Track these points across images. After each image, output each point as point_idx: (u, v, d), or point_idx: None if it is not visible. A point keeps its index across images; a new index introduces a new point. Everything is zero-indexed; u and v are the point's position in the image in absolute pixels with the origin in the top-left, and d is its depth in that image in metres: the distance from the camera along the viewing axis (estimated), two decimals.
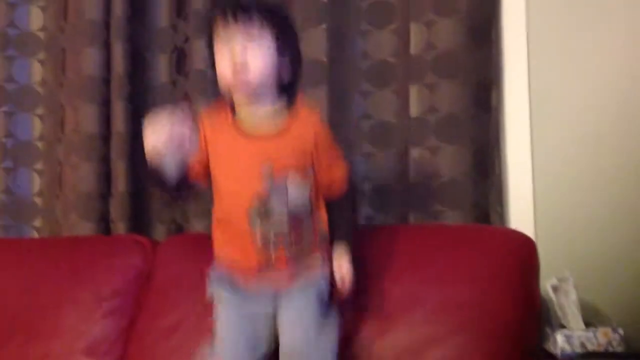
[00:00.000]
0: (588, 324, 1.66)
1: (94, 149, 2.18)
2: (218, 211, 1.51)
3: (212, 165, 1.47)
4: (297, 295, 1.45)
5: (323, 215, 1.51)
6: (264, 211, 1.43)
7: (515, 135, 1.93)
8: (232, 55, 1.40)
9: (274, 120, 1.47)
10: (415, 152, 1.93)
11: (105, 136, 2.19)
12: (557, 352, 1.60)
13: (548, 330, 1.67)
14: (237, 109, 1.48)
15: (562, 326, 1.66)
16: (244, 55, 1.39)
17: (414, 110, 1.94)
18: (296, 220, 1.44)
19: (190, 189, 1.50)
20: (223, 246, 1.52)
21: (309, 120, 1.47)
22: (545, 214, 1.88)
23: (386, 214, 2.00)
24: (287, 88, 1.49)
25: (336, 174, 1.51)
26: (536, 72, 1.92)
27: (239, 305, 1.47)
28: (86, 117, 2.18)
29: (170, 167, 1.37)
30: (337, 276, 1.46)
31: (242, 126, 1.47)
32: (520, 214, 1.89)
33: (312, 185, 1.46)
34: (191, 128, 1.33)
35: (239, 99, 1.46)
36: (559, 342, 1.60)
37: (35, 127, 2.33)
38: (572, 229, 1.86)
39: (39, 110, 2.33)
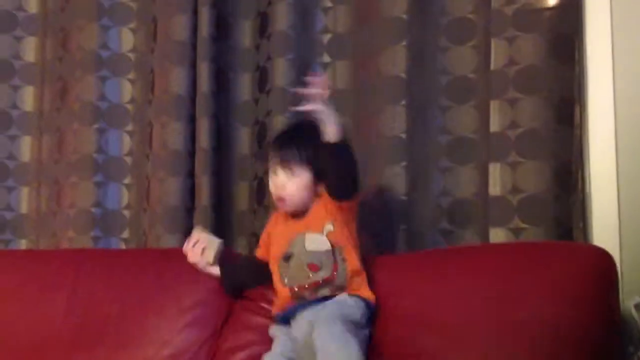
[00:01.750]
0: None
1: (180, 164, 2.26)
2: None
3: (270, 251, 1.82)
4: (323, 315, 1.63)
5: (351, 259, 1.71)
6: (285, 264, 1.73)
7: (600, 152, 1.88)
8: (274, 186, 1.74)
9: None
10: (495, 167, 1.91)
11: (191, 152, 2.26)
12: None
13: (631, 350, 1.62)
14: None
15: None
16: (283, 190, 1.73)
17: (495, 125, 1.93)
18: (315, 267, 1.69)
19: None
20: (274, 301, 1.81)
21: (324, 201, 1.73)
22: (630, 231, 1.82)
23: (465, 229, 1.99)
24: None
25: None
26: (621, 88, 1.88)
27: (285, 332, 1.72)
28: (172, 134, 2.26)
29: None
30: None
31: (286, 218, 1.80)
32: (605, 230, 1.84)
33: (332, 239, 1.70)
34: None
35: None
36: None
37: (124, 143, 2.43)
38: None
39: (129, 127, 2.43)
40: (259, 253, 1.89)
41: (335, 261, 1.69)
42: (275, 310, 1.78)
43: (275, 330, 1.75)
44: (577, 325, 1.54)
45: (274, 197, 1.77)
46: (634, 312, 1.62)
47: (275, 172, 1.75)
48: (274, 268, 1.78)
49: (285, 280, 1.73)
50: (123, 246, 2.39)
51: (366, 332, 1.65)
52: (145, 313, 1.94)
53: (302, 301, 1.70)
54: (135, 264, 2.09)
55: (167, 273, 2.01)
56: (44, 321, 2.01)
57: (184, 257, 2.07)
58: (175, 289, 1.97)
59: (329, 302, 1.66)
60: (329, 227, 1.71)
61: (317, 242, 1.71)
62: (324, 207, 1.72)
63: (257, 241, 2.17)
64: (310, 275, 1.69)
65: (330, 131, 1.63)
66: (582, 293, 1.58)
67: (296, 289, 1.71)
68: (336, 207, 1.71)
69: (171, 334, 1.90)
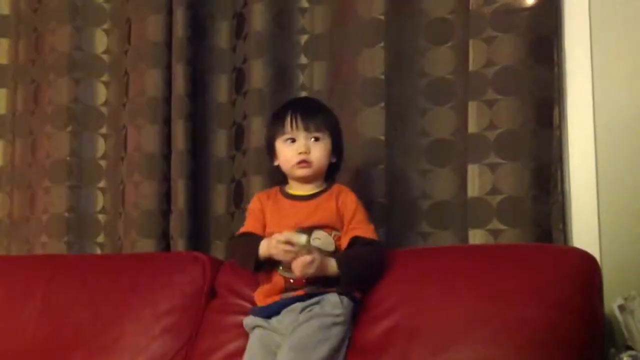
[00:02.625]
0: None
1: (155, 168, 2.23)
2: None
3: (267, 229, 1.79)
4: (305, 313, 1.65)
5: None
6: None
7: (579, 153, 1.88)
8: (298, 149, 1.74)
9: (313, 193, 1.78)
10: (473, 169, 1.90)
11: (166, 155, 2.23)
12: None
13: (613, 351, 1.61)
14: (289, 185, 1.82)
15: (629, 347, 1.60)
16: (308, 154, 1.74)
17: (473, 126, 1.91)
18: None
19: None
20: (259, 290, 1.78)
21: (338, 194, 1.77)
22: (610, 232, 1.82)
23: (444, 231, 1.98)
24: (330, 172, 1.82)
25: (357, 232, 1.74)
26: (600, 89, 1.88)
27: (266, 327, 1.70)
28: (147, 137, 2.24)
29: None
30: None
31: (288, 196, 1.80)
32: (585, 232, 1.84)
33: (337, 241, 1.73)
34: None
35: (294, 179, 1.79)
36: None
37: (99, 146, 2.39)
38: (639, 247, 1.79)
39: (103, 130, 2.39)
40: (253, 229, 1.80)
41: None
42: (260, 301, 1.75)
43: (252, 320, 1.73)
44: (560, 328, 1.54)
45: (292, 162, 1.74)
46: (617, 313, 1.61)
47: (295, 139, 1.75)
48: None
49: (281, 269, 1.72)
50: (98, 251, 2.36)
51: (347, 329, 1.66)
52: (121, 319, 1.92)
53: (291, 293, 1.69)
54: (109, 270, 2.06)
55: (143, 278, 1.99)
56: (16, 329, 1.98)
57: (159, 262, 2.05)
58: (150, 295, 1.94)
59: (316, 306, 1.65)
60: (338, 232, 1.74)
61: (324, 240, 1.71)
62: (336, 210, 1.75)
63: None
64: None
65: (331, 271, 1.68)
66: (565, 296, 1.58)
67: (292, 281, 1.70)
68: (345, 220, 1.75)
69: (147, 340, 1.87)
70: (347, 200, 1.75)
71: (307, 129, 1.74)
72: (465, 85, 1.96)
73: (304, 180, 1.78)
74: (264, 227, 1.79)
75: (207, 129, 2.28)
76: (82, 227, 2.35)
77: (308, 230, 1.70)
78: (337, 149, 1.80)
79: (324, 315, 1.63)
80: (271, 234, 1.71)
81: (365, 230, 1.74)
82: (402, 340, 1.60)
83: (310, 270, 1.63)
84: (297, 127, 1.75)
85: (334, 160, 1.80)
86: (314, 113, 1.77)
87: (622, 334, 1.63)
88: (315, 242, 1.70)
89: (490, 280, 1.64)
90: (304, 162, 1.74)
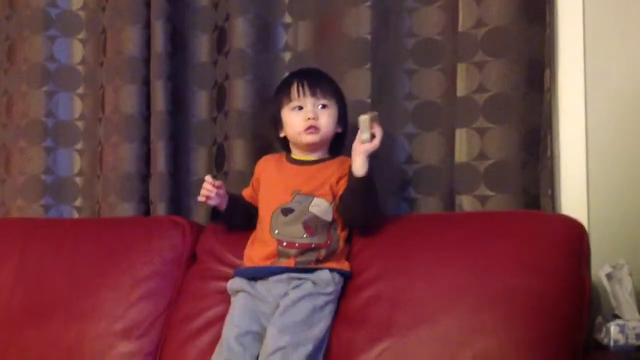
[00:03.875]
0: None
1: (134, 129, 2.17)
2: (256, 230, 1.79)
3: (260, 195, 1.82)
4: (296, 290, 1.64)
5: (343, 237, 1.74)
6: (282, 217, 1.71)
7: (569, 117, 1.84)
8: (306, 115, 1.74)
9: (317, 159, 1.79)
10: (461, 133, 1.86)
11: (145, 116, 2.17)
12: (610, 343, 1.53)
13: (600, 320, 1.59)
14: (293, 152, 1.82)
15: (616, 316, 1.58)
16: (316, 120, 1.74)
17: (462, 89, 1.87)
18: (310, 230, 1.68)
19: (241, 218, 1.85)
20: (249, 248, 1.78)
21: (342, 163, 1.77)
22: (599, 199, 1.80)
23: (430, 197, 1.94)
24: (336, 144, 1.83)
25: None
26: (592, 52, 1.84)
27: (251, 293, 1.68)
28: (126, 97, 2.17)
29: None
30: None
31: (291, 160, 1.81)
32: (573, 199, 1.81)
33: (335, 214, 1.72)
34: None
35: (300, 147, 1.80)
36: (612, 332, 1.53)
37: (75, 107, 2.32)
38: (628, 215, 1.77)
39: (80, 90, 2.32)
40: (246, 194, 1.87)
41: (330, 233, 1.71)
42: (248, 262, 1.74)
43: (238, 283, 1.72)
44: (547, 296, 1.53)
45: (300, 129, 1.75)
46: (605, 281, 1.59)
47: (303, 106, 1.75)
48: (264, 215, 1.75)
49: (276, 232, 1.70)
50: (76, 215, 2.30)
51: (335, 304, 1.65)
52: (98, 285, 1.88)
53: (282, 261, 1.68)
54: (87, 235, 2.03)
55: (121, 243, 1.96)
56: None
57: (138, 226, 2.00)
58: (129, 260, 1.91)
59: (306, 283, 1.64)
60: (336, 201, 1.73)
61: (322, 209, 1.71)
62: (337, 178, 1.74)
63: (215, 209, 2.12)
64: (304, 235, 1.68)
65: (362, 166, 1.68)
66: (552, 264, 1.57)
67: (285, 244, 1.68)
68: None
69: (125, 307, 1.84)
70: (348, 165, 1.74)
71: (314, 95, 1.75)
72: (454, 46, 1.91)
73: (310, 148, 1.77)
74: (254, 193, 1.83)
75: (188, 90, 2.21)
76: (59, 189, 2.28)
77: (308, 196, 1.71)
78: (342, 119, 1.80)
79: (317, 295, 1.62)
80: (263, 198, 1.78)
81: None
82: (385, 309, 1.59)
83: None
84: (304, 93, 1.75)
85: (339, 130, 1.80)
86: (320, 80, 1.78)
87: (609, 303, 1.62)
88: (313, 209, 1.70)
89: (476, 248, 1.63)
90: (312, 128, 1.74)
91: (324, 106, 1.75)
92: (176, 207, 2.15)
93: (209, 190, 1.78)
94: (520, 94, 1.82)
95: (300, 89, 1.75)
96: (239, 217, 1.85)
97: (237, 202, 1.85)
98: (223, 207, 1.82)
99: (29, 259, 1.97)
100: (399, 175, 1.97)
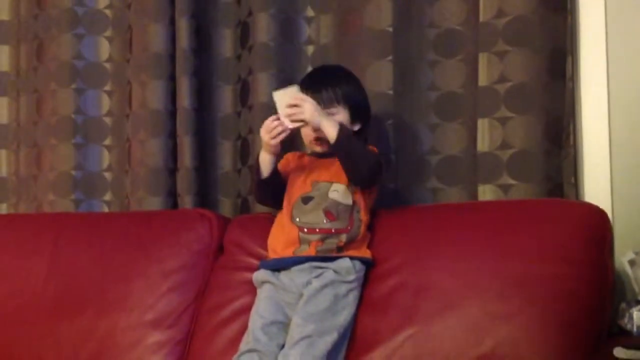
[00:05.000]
0: None
1: (161, 125, 2.20)
2: (278, 219, 1.80)
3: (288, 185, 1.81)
4: (318, 279, 1.65)
5: (365, 222, 1.73)
6: (303, 205, 1.72)
7: (592, 105, 1.84)
8: (309, 129, 1.73)
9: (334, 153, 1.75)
10: (483, 123, 1.86)
11: (172, 112, 2.20)
12: (633, 329, 1.52)
13: (623, 305, 1.59)
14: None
15: (639, 302, 1.58)
16: (321, 131, 1.70)
17: (483, 79, 1.87)
18: (331, 215, 1.69)
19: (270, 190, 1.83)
20: (271, 238, 1.78)
21: None
22: (622, 186, 1.79)
23: (453, 187, 1.95)
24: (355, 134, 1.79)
25: None
26: (614, 39, 1.83)
27: (275, 284, 1.70)
28: (152, 93, 2.20)
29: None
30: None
31: (311, 154, 1.84)
32: (597, 186, 1.80)
33: (355, 197, 1.73)
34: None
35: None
36: (635, 318, 1.53)
37: (103, 103, 2.36)
38: None
39: (107, 87, 2.36)
40: (280, 167, 1.84)
41: (352, 218, 1.70)
42: (272, 252, 1.75)
43: (262, 275, 1.73)
44: (570, 283, 1.53)
45: (309, 139, 1.77)
46: (627, 268, 1.60)
47: None
48: (287, 207, 1.76)
49: (297, 220, 1.71)
50: (105, 209, 2.35)
51: (359, 291, 1.66)
52: (128, 277, 1.92)
53: (303, 250, 1.68)
54: (117, 228, 2.06)
55: (150, 236, 1.98)
56: (24, 287, 1.99)
57: (166, 219, 2.04)
58: (158, 253, 1.94)
59: (328, 271, 1.65)
60: (355, 187, 1.73)
61: (341, 193, 1.72)
62: None
63: (243, 202, 2.15)
64: (325, 221, 1.69)
65: (328, 134, 1.68)
66: (576, 251, 1.57)
67: (306, 230, 1.70)
68: None
69: (155, 298, 1.87)
70: None
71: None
72: (475, 36, 1.91)
73: (323, 150, 1.78)
74: (285, 174, 1.83)
75: (212, 85, 2.24)
76: (89, 185, 2.33)
77: (326, 183, 1.72)
78: (359, 117, 1.79)
79: (339, 283, 1.63)
80: (289, 191, 1.77)
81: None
82: (409, 296, 1.60)
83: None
84: None
85: (356, 128, 1.79)
86: (324, 88, 1.75)
87: (632, 289, 1.61)
88: (332, 195, 1.71)
89: (499, 236, 1.63)
90: (319, 140, 1.75)
91: (330, 114, 1.73)
92: (203, 200, 2.18)
93: (276, 124, 1.71)
94: (542, 82, 1.82)
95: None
96: (277, 185, 1.81)
97: (277, 170, 1.83)
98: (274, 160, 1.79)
99: (61, 253, 2.01)
100: (422, 165, 1.97)
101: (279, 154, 1.79)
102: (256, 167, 1.80)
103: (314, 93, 1.74)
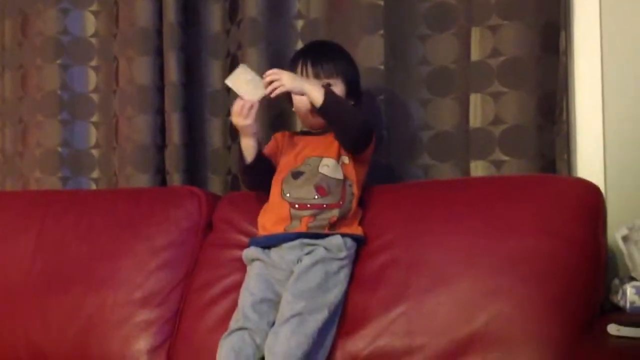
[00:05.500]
0: None
1: (148, 101, 2.17)
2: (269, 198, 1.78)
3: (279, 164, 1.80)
4: (309, 256, 1.63)
5: (357, 196, 1.72)
6: (293, 180, 1.71)
7: (585, 80, 1.83)
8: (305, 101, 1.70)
9: (325, 129, 1.75)
10: (476, 98, 1.84)
11: (159, 87, 2.17)
12: (626, 304, 1.52)
13: (616, 282, 1.59)
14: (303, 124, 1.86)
15: (632, 278, 1.58)
16: None
17: (476, 54, 1.85)
18: (322, 190, 1.68)
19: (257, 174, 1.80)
20: (262, 215, 1.76)
21: None
22: (615, 161, 1.78)
23: (445, 163, 1.94)
24: None
25: None
26: (608, 13, 1.81)
27: (265, 261, 1.69)
28: (140, 69, 2.17)
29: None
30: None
31: (301, 132, 1.86)
32: (589, 162, 1.80)
33: (345, 171, 1.71)
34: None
35: (306, 124, 1.81)
36: (629, 294, 1.52)
37: (90, 79, 2.33)
38: None
39: (93, 63, 2.33)
40: (266, 150, 1.82)
41: (344, 192, 1.69)
42: (262, 228, 1.74)
43: (252, 252, 1.72)
44: (563, 259, 1.53)
45: (304, 110, 1.73)
46: (620, 243, 1.59)
47: None
48: (276, 182, 1.75)
49: (287, 195, 1.70)
50: (93, 186, 2.32)
51: (350, 269, 1.65)
52: (117, 255, 1.90)
53: (294, 227, 1.67)
54: (105, 205, 2.03)
55: (138, 214, 1.96)
56: (12, 264, 1.97)
57: (155, 196, 2.02)
58: (146, 230, 1.92)
59: (319, 249, 1.63)
60: (345, 159, 1.72)
61: (332, 168, 1.70)
62: None
63: (233, 179, 2.13)
64: (316, 196, 1.68)
65: (314, 98, 1.65)
66: (568, 226, 1.56)
67: (297, 206, 1.68)
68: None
69: (143, 275, 1.86)
70: None
71: (317, 76, 1.73)
72: (467, 10, 1.89)
73: (316, 125, 1.76)
74: (273, 156, 1.80)
75: (201, 60, 2.21)
76: (76, 162, 2.31)
77: (317, 158, 1.71)
78: (353, 93, 1.78)
79: (330, 260, 1.62)
80: (279, 169, 1.76)
81: None
82: (401, 273, 1.59)
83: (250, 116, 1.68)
84: (307, 74, 1.73)
85: (350, 103, 1.77)
86: (324, 59, 1.74)
87: (625, 265, 1.61)
88: (323, 170, 1.69)
89: (491, 211, 1.62)
90: (314, 111, 1.72)
91: (328, 85, 1.72)
92: (192, 178, 2.16)
93: (241, 103, 1.70)
94: (535, 57, 1.81)
95: (304, 69, 1.74)
96: (263, 170, 1.79)
97: (262, 154, 1.80)
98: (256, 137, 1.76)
99: (48, 230, 1.99)
100: (414, 141, 1.96)
101: (258, 135, 1.76)
102: (240, 155, 1.78)
103: (313, 63, 1.73)
